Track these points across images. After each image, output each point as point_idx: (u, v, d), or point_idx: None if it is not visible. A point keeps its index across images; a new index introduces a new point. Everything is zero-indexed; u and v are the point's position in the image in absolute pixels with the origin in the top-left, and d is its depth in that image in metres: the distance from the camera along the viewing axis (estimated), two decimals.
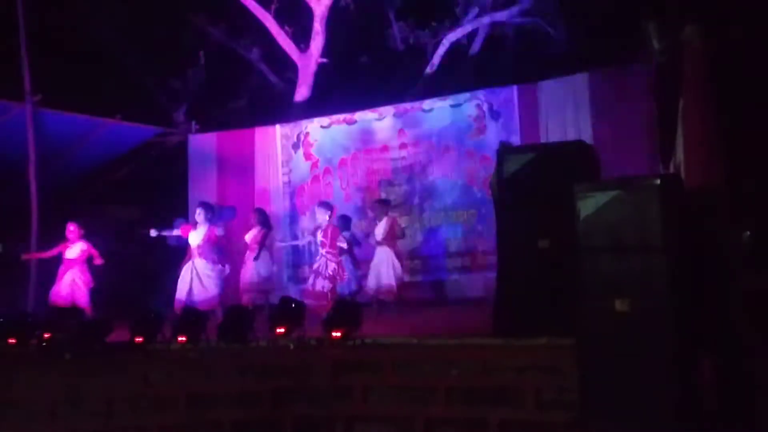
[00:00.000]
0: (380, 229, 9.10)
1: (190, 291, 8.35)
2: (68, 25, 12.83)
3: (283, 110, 12.93)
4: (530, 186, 6.03)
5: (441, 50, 12.99)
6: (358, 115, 11.16)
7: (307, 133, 11.46)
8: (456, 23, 12.92)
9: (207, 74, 14.07)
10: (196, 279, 8.42)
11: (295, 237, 11.09)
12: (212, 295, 8.40)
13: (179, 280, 8.53)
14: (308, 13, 12.52)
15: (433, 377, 5.83)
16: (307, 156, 11.42)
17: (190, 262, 8.57)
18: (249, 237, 9.03)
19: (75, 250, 9.31)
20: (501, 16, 12.32)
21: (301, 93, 12.78)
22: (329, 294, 7.96)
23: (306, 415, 5.99)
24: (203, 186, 11.80)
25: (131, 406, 6.15)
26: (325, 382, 6.11)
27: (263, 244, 8.89)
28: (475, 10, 12.60)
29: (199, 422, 6.05)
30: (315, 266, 8.32)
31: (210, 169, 11.88)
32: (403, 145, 10.79)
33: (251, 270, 8.84)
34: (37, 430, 6.17)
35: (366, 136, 11.07)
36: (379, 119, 11.01)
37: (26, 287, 9.59)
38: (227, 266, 8.89)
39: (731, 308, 4.77)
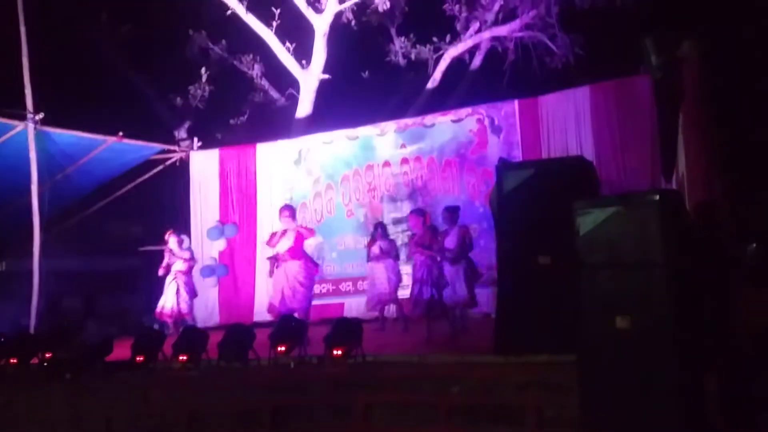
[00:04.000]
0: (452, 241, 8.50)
1: (282, 297, 8.29)
2: (70, 43, 12.91)
3: (285, 126, 12.98)
4: (530, 202, 6.01)
5: (442, 65, 13.04)
6: (360, 131, 11.18)
7: (309, 149, 11.48)
8: (457, 38, 12.95)
9: (209, 91, 14.12)
10: (287, 284, 8.36)
11: None
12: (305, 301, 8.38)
13: (273, 285, 8.57)
14: (309, 30, 12.58)
15: (434, 395, 5.79)
16: (309, 172, 11.43)
17: (281, 268, 8.51)
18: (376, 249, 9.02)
19: (179, 261, 9.66)
20: (502, 30, 12.35)
21: (303, 109, 12.83)
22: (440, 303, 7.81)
23: None
24: (205, 203, 11.83)
25: (131, 425, 6.12)
26: (325, 400, 6.07)
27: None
28: (476, 25, 12.64)
29: None
30: (417, 274, 8.10)
31: (212, 185, 11.91)
32: (404, 161, 10.79)
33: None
34: None
35: (367, 151, 11.08)
36: (380, 135, 11.03)
37: (28, 305, 9.57)
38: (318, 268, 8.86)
39: (733, 324, 4.73)
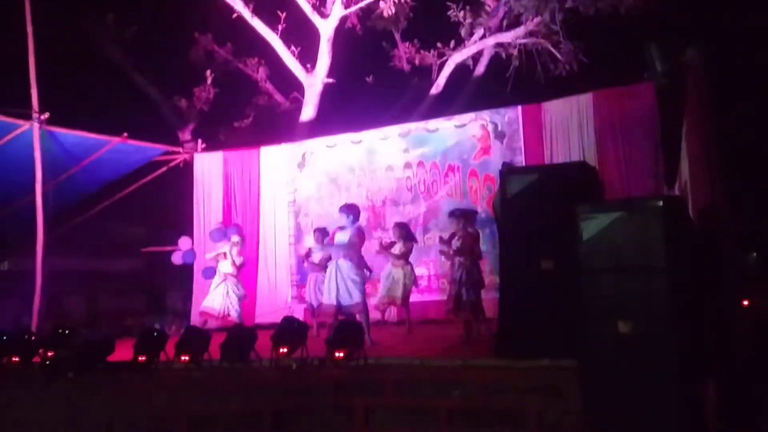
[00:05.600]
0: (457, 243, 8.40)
1: (338, 295, 7.87)
2: (76, 44, 12.96)
3: (289, 130, 13.02)
4: (533, 207, 6.01)
5: (446, 71, 13.07)
6: (364, 135, 11.20)
7: (312, 153, 11.50)
8: (461, 44, 12.99)
9: (214, 94, 14.16)
10: (342, 282, 7.91)
11: (299, 256, 11.07)
12: (358, 301, 7.85)
13: (325, 282, 8.09)
14: (314, 34, 12.63)
15: (435, 398, 5.79)
16: (312, 175, 11.45)
17: (333, 263, 8.07)
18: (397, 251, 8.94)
19: (227, 263, 9.73)
20: (506, 37, 12.38)
21: (307, 112, 12.86)
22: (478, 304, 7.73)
23: None
24: (209, 204, 11.86)
25: (132, 425, 6.12)
26: (327, 402, 6.08)
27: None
28: (480, 32, 12.67)
29: None
30: (457, 276, 7.85)
31: (215, 187, 11.94)
32: (407, 165, 10.81)
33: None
34: None
35: (371, 155, 11.10)
36: (384, 139, 11.05)
37: (30, 304, 9.59)
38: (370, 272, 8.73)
39: (734, 330, 4.74)
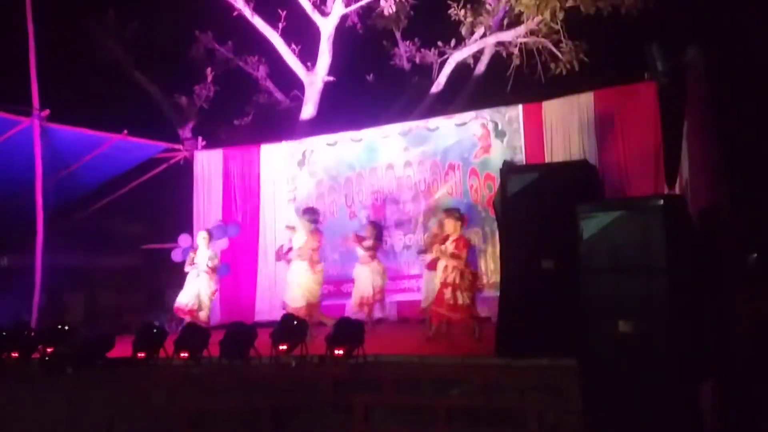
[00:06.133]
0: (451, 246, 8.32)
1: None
2: (77, 41, 12.95)
3: (289, 128, 13.00)
4: (533, 205, 6.02)
5: (447, 69, 13.04)
6: (364, 133, 11.20)
7: (313, 151, 11.50)
8: (462, 43, 12.98)
9: (214, 91, 14.15)
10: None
11: None
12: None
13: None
14: (315, 32, 12.61)
15: (435, 397, 5.80)
16: (312, 173, 11.45)
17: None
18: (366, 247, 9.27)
19: (204, 258, 9.56)
20: (507, 35, 12.36)
21: (307, 111, 12.85)
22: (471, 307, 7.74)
23: None
24: (208, 202, 11.86)
25: (131, 421, 6.12)
26: (326, 400, 6.08)
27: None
28: (481, 30, 12.66)
29: None
30: (450, 280, 7.78)
31: (215, 185, 11.93)
32: (408, 164, 10.81)
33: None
34: None
35: (371, 154, 11.09)
36: (384, 137, 11.04)
37: (29, 301, 9.59)
38: None
39: (734, 330, 4.74)
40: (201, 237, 9.87)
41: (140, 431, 6.08)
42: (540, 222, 5.95)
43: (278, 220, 11.41)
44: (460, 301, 7.63)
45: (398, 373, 6.18)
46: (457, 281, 7.66)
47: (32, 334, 7.70)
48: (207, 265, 9.62)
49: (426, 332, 7.95)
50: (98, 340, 7.12)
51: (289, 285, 8.85)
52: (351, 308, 9.43)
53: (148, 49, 13.79)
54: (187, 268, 9.66)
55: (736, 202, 5.02)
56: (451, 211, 8.30)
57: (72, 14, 13.11)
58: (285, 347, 6.45)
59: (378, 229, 9.52)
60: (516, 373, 5.77)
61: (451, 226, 7.94)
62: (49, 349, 7.04)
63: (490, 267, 9.66)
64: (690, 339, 4.60)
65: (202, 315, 9.44)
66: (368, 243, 9.30)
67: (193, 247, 9.96)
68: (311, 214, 9.18)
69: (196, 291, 9.49)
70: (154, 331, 7.07)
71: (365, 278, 9.19)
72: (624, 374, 4.69)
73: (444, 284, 7.71)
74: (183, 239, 10.91)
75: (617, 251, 4.81)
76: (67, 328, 7.49)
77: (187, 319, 9.11)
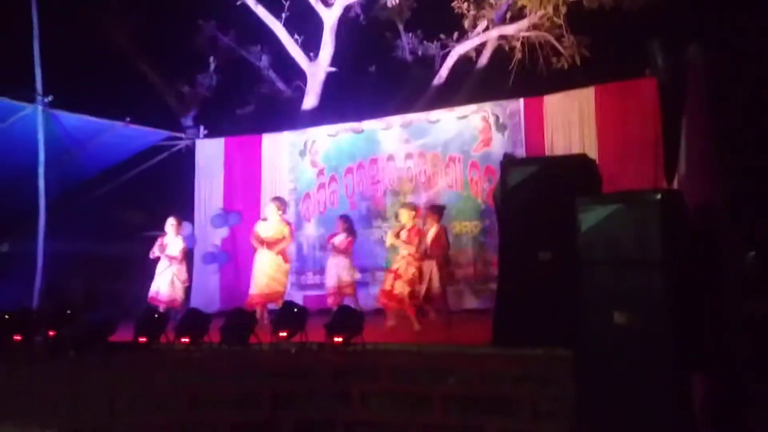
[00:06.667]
0: (429, 238, 8.73)
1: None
2: (81, 27, 12.98)
3: (291, 118, 13.05)
4: (532, 198, 6.09)
5: (449, 62, 13.09)
6: (365, 125, 11.25)
7: (314, 141, 11.55)
8: (464, 36, 13.02)
9: (216, 80, 14.19)
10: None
11: (299, 244, 11.16)
12: None
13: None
14: (318, 23, 12.65)
15: (431, 385, 5.88)
16: (314, 163, 11.50)
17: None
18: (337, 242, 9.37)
19: (175, 246, 9.48)
20: (509, 29, 12.40)
21: (309, 101, 12.89)
22: (408, 298, 8.04)
23: (305, 419, 6.04)
24: (209, 190, 11.91)
25: (132, 405, 6.21)
26: (324, 386, 6.16)
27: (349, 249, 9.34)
28: (484, 24, 12.70)
29: (199, 423, 6.11)
30: (395, 267, 8.25)
31: (217, 174, 11.98)
32: (408, 156, 10.86)
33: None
34: (39, 427, 6.23)
35: (372, 145, 11.15)
36: (385, 129, 11.09)
37: (31, 286, 9.66)
38: None
39: (728, 326, 4.81)
40: (169, 224, 9.57)
41: (141, 412, 6.16)
42: (538, 214, 6.02)
43: None
44: (396, 291, 8.00)
45: (396, 361, 6.26)
46: (401, 271, 8.06)
47: (35, 317, 7.76)
48: (175, 253, 9.41)
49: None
50: (100, 325, 7.19)
51: (255, 273, 9.10)
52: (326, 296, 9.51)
53: (152, 36, 13.82)
54: (153, 255, 9.41)
55: (735, 200, 5.07)
56: (406, 204, 9.01)
57: (76, 0, 13.14)
58: (285, 334, 6.52)
59: (349, 223, 9.56)
60: (512, 362, 5.85)
61: (405, 216, 8.43)
62: (51, 333, 7.11)
63: (488, 258, 9.74)
64: (684, 332, 4.67)
65: (177, 302, 9.33)
66: (340, 238, 9.36)
67: (161, 235, 9.63)
68: (279, 202, 9.38)
69: (169, 279, 9.32)
70: (156, 316, 7.15)
71: (333, 271, 9.29)
72: (618, 365, 4.76)
73: (388, 270, 8.26)
74: (184, 227, 10.98)
75: (614, 244, 4.88)
76: (69, 312, 7.56)
77: (162, 307, 9.05)
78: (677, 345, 4.60)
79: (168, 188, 12.24)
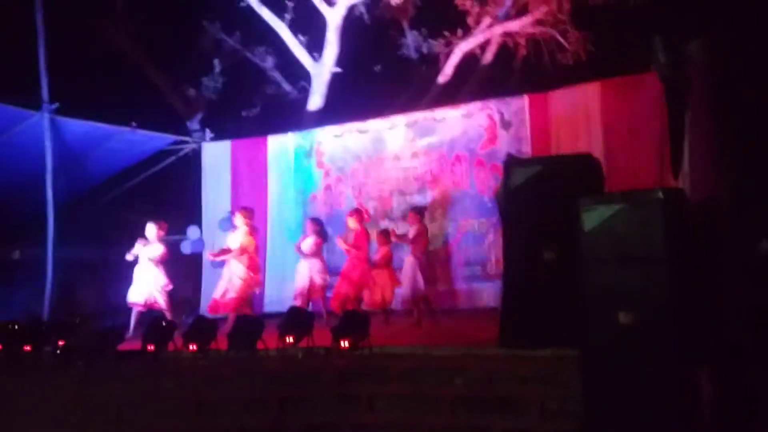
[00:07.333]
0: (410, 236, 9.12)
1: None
2: (85, 33, 13.03)
3: (296, 119, 13.05)
4: (536, 198, 6.07)
5: (454, 60, 13.03)
6: (370, 124, 11.23)
7: (320, 142, 11.55)
8: (469, 33, 12.96)
9: (222, 83, 14.21)
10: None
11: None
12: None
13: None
14: (322, 23, 12.64)
15: (438, 387, 5.88)
16: (320, 164, 11.50)
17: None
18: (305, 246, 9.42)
19: (154, 251, 9.44)
20: (513, 26, 12.35)
21: (314, 102, 12.90)
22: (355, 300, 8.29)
23: (312, 424, 6.05)
24: (217, 194, 11.94)
25: (141, 412, 6.23)
26: (331, 390, 6.17)
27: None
28: (488, 20, 12.64)
29: (207, 429, 6.13)
30: (344, 270, 8.62)
31: (223, 176, 12.02)
32: (414, 155, 10.82)
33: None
34: None
35: (378, 145, 11.13)
36: (391, 128, 11.07)
37: (41, 293, 9.73)
38: None
39: (734, 321, 4.78)
40: (150, 229, 9.50)
41: (149, 419, 6.18)
42: (542, 214, 6.00)
43: (286, 212, 11.49)
44: (341, 291, 8.48)
45: (403, 363, 6.26)
46: (348, 273, 8.58)
47: (44, 327, 7.82)
48: (152, 257, 9.35)
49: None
50: (109, 333, 7.24)
51: (221, 281, 9.07)
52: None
53: (156, 40, 13.86)
54: (129, 257, 9.37)
55: (743, 194, 5.00)
56: (352, 211, 9.43)
57: (80, 6, 13.18)
58: (292, 339, 6.53)
59: (319, 225, 9.54)
60: (518, 362, 5.84)
61: (351, 222, 8.97)
62: (60, 342, 7.16)
63: (494, 257, 9.71)
64: (688, 329, 4.65)
65: (160, 305, 9.24)
66: (308, 242, 9.37)
67: (143, 239, 9.56)
68: (245, 211, 9.38)
69: (148, 283, 9.25)
70: (164, 324, 7.18)
71: (303, 274, 9.26)
72: (624, 363, 4.74)
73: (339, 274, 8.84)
74: (192, 231, 11.03)
75: (618, 243, 4.86)
76: (78, 321, 7.61)
77: (142, 309, 9.06)
78: (681, 341, 4.59)
79: (175, 192, 12.29)
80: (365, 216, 9.36)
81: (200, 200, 11.97)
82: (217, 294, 9.09)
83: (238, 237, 9.10)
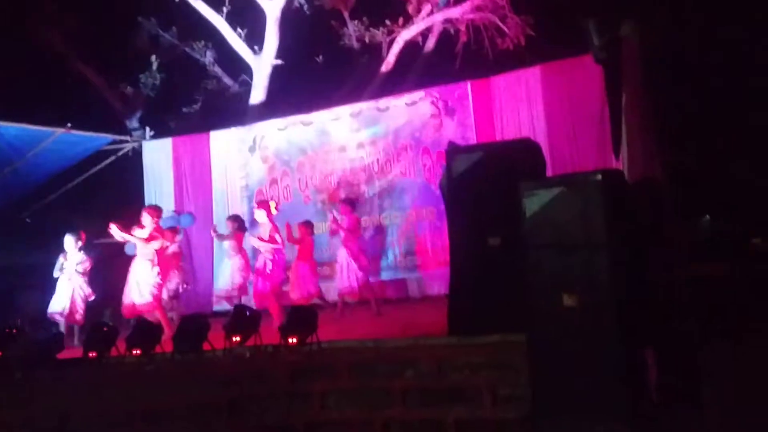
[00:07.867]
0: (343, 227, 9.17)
1: None
2: (15, 33, 12.57)
3: (239, 113, 12.83)
4: (479, 185, 6.06)
5: (396, 48, 12.97)
6: (314, 116, 11.12)
7: (264, 136, 11.39)
8: (410, 21, 12.90)
9: (160, 79, 13.87)
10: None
11: None
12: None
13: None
14: (261, 15, 12.42)
15: (389, 379, 5.83)
16: (264, 159, 11.34)
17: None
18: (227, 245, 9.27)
19: (77, 261, 9.17)
20: (454, 12, 12.34)
21: (257, 95, 12.69)
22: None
23: (265, 425, 5.94)
24: (160, 192, 11.69)
25: (85, 422, 6.03)
26: (282, 388, 6.07)
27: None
28: (428, 8, 12.60)
29: None
30: (258, 266, 8.54)
31: (166, 175, 11.78)
32: (360, 145, 10.76)
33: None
34: None
35: (323, 137, 11.03)
36: (335, 120, 10.98)
37: None
38: None
39: (674, 298, 4.85)
40: (69, 241, 9.20)
41: (95, 429, 5.99)
42: (486, 200, 5.99)
43: (231, 208, 11.31)
44: (259, 287, 8.43)
45: (353, 357, 6.19)
46: (260, 268, 8.50)
47: None
48: (76, 270, 9.12)
49: None
50: (47, 342, 6.99)
51: (129, 282, 8.38)
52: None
53: (90, 38, 13.43)
54: (56, 274, 9.12)
55: (673, 172, 5.09)
56: (261, 203, 9.08)
57: (9, 5, 12.70)
58: (238, 338, 6.41)
59: (239, 222, 9.33)
60: (468, 350, 5.83)
61: (261, 216, 8.70)
62: None
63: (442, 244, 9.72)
64: (632, 310, 4.69)
65: (77, 317, 8.97)
66: (228, 236, 9.19)
67: (63, 252, 9.25)
68: (152, 209, 8.90)
69: (69, 294, 8.96)
70: (105, 329, 6.96)
71: (226, 274, 9.08)
72: (570, 346, 4.77)
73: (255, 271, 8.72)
74: (184, 219, 10.83)
75: (559, 227, 4.88)
76: (14, 331, 7.32)
77: (61, 321, 8.78)
78: (624, 323, 4.64)
79: (118, 193, 11.97)
80: (275, 209, 8.96)
81: (143, 200, 11.68)
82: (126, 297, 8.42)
83: (143, 235, 8.60)
